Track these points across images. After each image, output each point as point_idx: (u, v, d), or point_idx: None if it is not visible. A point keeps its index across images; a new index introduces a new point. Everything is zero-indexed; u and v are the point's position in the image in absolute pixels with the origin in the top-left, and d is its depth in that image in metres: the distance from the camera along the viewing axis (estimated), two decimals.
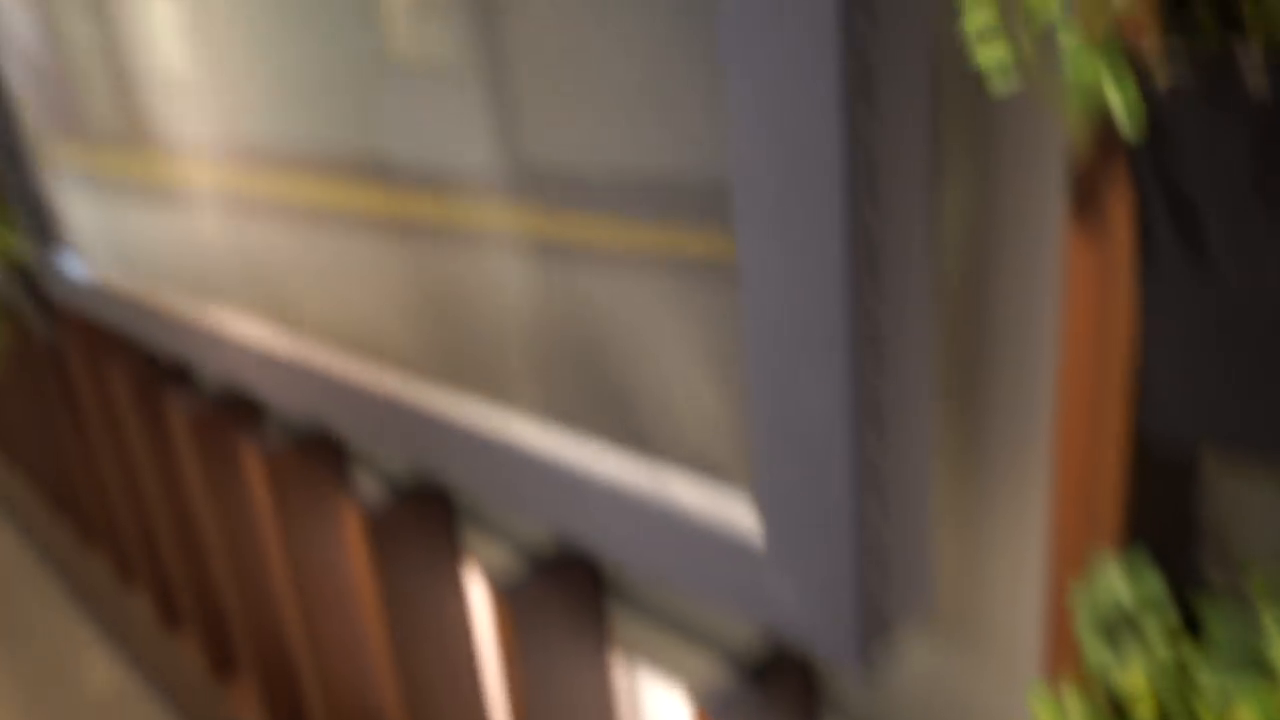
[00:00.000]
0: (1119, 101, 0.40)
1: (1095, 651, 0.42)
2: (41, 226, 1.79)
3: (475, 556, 1.18)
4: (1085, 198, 0.44)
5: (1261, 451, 0.38)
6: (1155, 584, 0.40)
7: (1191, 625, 0.40)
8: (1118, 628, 0.42)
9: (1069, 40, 0.44)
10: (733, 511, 0.64)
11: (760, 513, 0.61)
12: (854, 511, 0.55)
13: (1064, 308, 0.47)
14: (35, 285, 2.06)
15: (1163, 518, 0.44)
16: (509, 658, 0.95)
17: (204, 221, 1.21)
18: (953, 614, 0.73)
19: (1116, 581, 0.41)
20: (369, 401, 0.99)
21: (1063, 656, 0.46)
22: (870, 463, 0.56)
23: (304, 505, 1.28)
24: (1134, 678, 0.38)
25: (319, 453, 1.29)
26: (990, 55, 0.46)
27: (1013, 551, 0.67)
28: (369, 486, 1.26)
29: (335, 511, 1.32)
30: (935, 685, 0.76)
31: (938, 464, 0.66)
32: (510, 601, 0.93)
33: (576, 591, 0.99)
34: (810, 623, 0.60)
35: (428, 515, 1.14)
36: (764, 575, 0.60)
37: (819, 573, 0.58)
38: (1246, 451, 0.39)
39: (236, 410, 1.50)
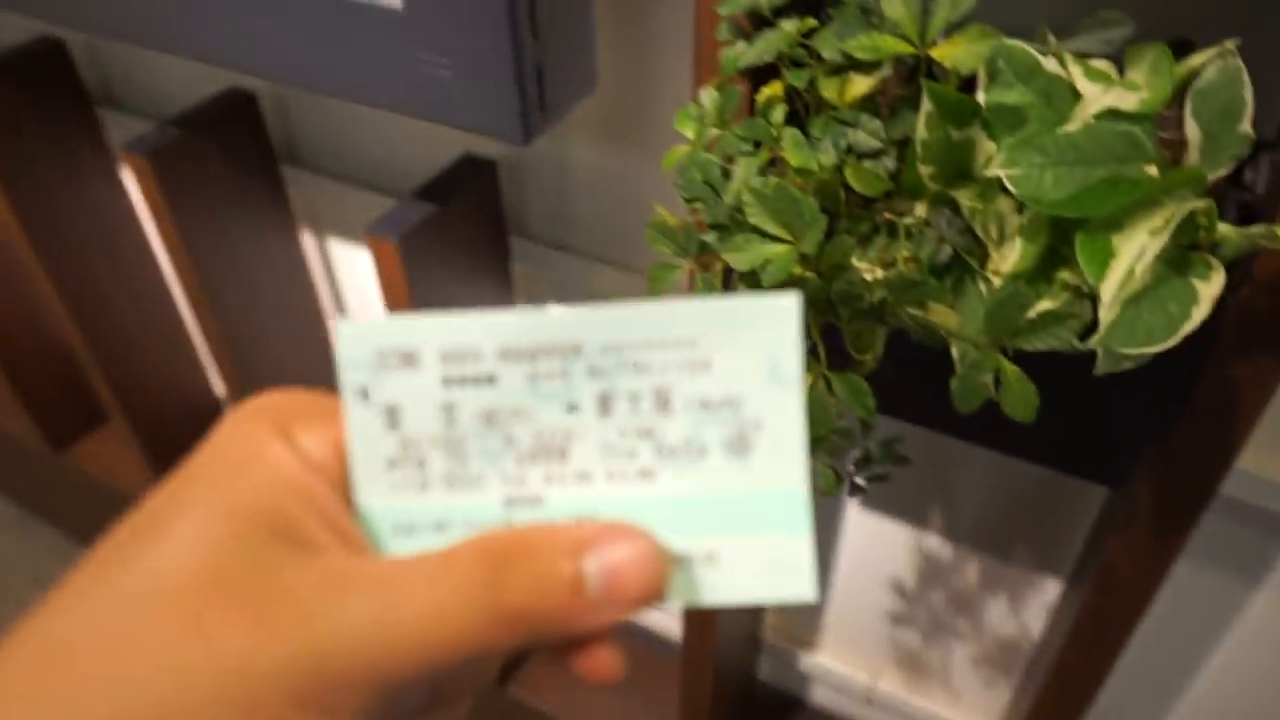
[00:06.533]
0: None
1: (730, 47, 0.42)
2: None
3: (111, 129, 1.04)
4: None
5: None
6: None
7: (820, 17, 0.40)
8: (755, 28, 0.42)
9: None
10: None
11: None
12: None
13: None
14: None
15: None
16: (163, 226, 0.87)
17: None
18: (618, 113, 0.73)
19: None
20: None
21: (706, 64, 0.46)
22: None
23: None
24: (765, 53, 0.39)
25: None
26: None
27: (671, 49, 0.67)
28: None
29: None
30: (602, 180, 0.78)
31: None
32: (155, 163, 0.83)
33: (236, 148, 0.91)
34: (469, 99, 0.57)
35: (48, 92, 0.97)
36: (413, 48, 0.56)
37: (469, 41, 0.54)
38: None
39: None
